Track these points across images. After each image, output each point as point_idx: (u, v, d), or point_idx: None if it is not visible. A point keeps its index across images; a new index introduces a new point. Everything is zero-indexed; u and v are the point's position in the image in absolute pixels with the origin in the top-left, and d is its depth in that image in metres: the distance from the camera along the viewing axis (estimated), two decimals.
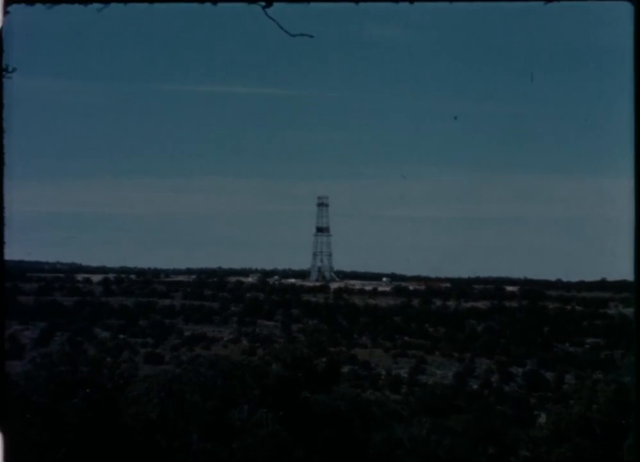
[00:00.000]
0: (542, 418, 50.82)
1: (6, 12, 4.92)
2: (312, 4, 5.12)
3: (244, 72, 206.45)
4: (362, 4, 5.10)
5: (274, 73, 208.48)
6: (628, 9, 4.98)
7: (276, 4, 5.11)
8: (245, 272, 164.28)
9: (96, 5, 5.10)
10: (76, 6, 5.11)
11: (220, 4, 5.10)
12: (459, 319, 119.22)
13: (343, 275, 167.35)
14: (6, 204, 5.04)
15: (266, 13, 5.10)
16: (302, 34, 5.55)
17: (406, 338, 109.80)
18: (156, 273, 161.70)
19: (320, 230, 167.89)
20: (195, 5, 5.08)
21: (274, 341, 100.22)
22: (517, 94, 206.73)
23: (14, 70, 5.05)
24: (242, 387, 34.73)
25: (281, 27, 5.33)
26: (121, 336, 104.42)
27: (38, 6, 5.08)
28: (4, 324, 5.07)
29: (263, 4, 5.08)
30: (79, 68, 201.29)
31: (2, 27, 4.92)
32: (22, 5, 5.02)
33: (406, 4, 5.11)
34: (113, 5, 5.12)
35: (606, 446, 29.01)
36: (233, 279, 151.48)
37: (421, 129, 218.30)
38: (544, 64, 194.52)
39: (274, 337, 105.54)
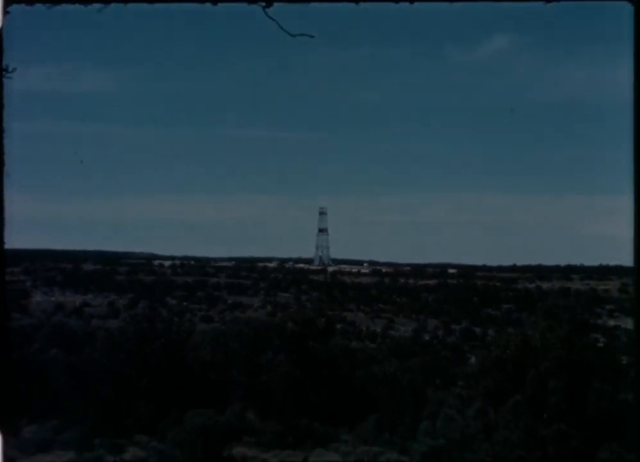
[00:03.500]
0: (472, 360, 50.65)
1: (6, 12, 3.79)
2: (312, 4, 3.88)
3: (259, 118, 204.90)
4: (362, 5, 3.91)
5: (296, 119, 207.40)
6: (628, 9, 3.84)
7: (276, 5, 3.89)
8: (270, 259, 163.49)
9: (96, 5, 3.90)
10: (77, 6, 3.88)
11: (220, 5, 3.88)
12: (416, 292, 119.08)
13: (337, 262, 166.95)
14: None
15: (266, 14, 3.89)
16: (302, 34, 4.22)
17: (380, 305, 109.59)
18: (208, 260, 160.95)
19: (321, 230, 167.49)
20: (195, 5, 3.87)
21: (289, 307, 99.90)
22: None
23: (14, 70, 3.90)
24: (267, 339, 34.65)
25: (282, 28, 4.05)
26: (184, 303, 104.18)
27: (38, 6, 3.87)
28: (6, 320, 3.95)
29: (263, 4, 3.89)
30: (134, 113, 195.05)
31: (2, 27, 3.79)
32: (22, 5, 3.84)
33: (407, 4, 3.97)
34: (113, 6, 3.90)
35: (515, 379, 29.00)
36: (260, 264, 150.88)
37: (392, 161, 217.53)
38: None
39: (289, 305, 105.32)
